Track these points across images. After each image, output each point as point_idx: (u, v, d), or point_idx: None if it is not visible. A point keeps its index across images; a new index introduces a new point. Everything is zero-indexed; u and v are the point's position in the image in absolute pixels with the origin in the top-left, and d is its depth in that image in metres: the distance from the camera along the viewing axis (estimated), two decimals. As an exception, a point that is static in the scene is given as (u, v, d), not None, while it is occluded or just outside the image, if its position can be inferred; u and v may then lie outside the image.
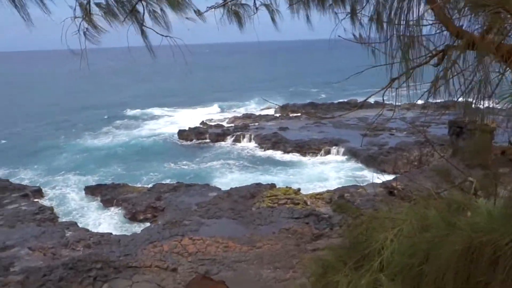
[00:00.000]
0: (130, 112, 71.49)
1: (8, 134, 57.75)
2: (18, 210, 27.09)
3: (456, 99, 4.28)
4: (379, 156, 37.04)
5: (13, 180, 35.10)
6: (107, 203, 30.16)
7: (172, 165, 41.17)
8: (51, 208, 28.19)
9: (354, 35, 5.18)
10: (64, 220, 27.18)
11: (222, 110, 69.14)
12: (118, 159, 43.83)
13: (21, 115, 70.91)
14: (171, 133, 53.82)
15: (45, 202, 30.81)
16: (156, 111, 72.63)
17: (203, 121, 57.14)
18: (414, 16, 4.13)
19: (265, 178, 34.63)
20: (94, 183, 34.38)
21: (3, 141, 53.03)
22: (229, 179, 36.00)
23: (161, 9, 5.43)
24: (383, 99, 5.08)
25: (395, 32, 4.37)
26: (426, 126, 42.55)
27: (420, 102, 4.90)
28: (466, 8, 3.71)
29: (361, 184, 29.13)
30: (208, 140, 48.76)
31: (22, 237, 22.65)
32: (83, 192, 32.74)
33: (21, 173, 39.99)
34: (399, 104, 4.54)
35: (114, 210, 29.51)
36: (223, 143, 47.77)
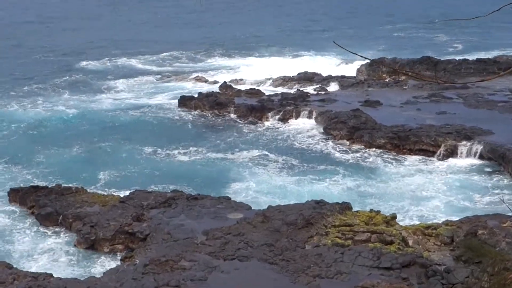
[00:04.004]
0: (94, 63, 72.78)
1: None
2: None
3: None
4: (547, 164, 36.48)
5: None
6: (47, 221, 30.72)
7: (165, 157, 41.72)
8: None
9: None
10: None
11: (261, 65, 68.93)
12: (71, 140, 44.64)
13: None
14: (167, 101, 54.56)
15: None
16: (137, 62, 73.54)
17: (225, 83, 57.39)
18: None
19: (329, 191, 34.67)
20: (26, 184, 35.11)
21: None
22: (265, 188, 36.15)
23: None
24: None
25: None
26: None
27: None
28: None
29: None
30: (233, 116, 49.30)
31: None
32: (6, 198, 33.52)
33: None
34: None
35: (58, 233, 30.07)
36: (259, 122, 48.19)
